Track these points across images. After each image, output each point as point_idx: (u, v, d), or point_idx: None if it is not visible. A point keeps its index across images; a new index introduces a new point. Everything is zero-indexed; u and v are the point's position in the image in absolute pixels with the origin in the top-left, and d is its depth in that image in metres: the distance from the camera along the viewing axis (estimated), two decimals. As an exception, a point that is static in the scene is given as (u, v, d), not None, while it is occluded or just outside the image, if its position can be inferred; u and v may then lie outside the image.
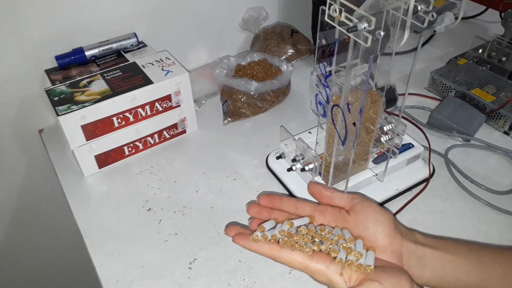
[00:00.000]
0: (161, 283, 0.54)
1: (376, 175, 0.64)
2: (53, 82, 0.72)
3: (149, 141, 0.73)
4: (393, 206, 0.64)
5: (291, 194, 0.64)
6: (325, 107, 0.55)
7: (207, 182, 0.68)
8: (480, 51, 0.90)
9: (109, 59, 0.78)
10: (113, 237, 0.60)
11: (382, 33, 0.41)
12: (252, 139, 0.77)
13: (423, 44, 1.02)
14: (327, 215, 0.46)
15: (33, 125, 0.80)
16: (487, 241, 0.59)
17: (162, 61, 0.72)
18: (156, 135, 0.73)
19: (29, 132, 0.80)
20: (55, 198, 0.90)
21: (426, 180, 0.66)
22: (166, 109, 0.71)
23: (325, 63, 0.52)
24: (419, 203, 0.64)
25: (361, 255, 0.40)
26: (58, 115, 0.61)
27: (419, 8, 0.43)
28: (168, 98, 0.70)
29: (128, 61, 0.76)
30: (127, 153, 0.72)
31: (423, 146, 0.67)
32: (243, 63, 0.86)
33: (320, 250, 0.41)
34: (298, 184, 0.64)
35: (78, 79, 0.69)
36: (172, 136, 0.76)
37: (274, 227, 0.44)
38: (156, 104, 0.69)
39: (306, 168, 0.61)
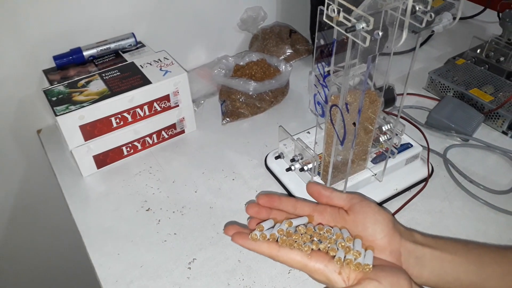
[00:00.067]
0: (160, 283, 0.54)
1: (375, 175, 0.64)
2: (51, 82, 0.72)
3: (148, 141, 0.73)
4: (392, 206, 0.64)
5: (290, 194, 0.64)
6: (324, 107, 0.55)
7: (206, 182, 0.68)
8: (478, 51, 0.90)
9: (107, 59, 0.77)
10: (112, 237, 0.60)
11: (380, 33, 0.41)
12: (251, 139, 0.77)
13: (422, 44, 1.02)
14: (326, 215, 0.46)
15: (31, 125, 0.80)
16: (486, 241, 0.59)
17: (161, 61, 0.72)
18: (154, 135, 0.73)
19: (27, 132, 0.80)
20: (53, 198, 0.90)
21: (425, 180, 0.67)
22: (164, 109, 0.71)
23: (323, 63, 0.52)
24: (418, 203, 0.64)
25: (360, 254, 0.40)
26: (56, 115, 0.61)
27: (417, 8, 0.43)
28: (166, 98, 0.70)
29: (127, 61, 0.75)
30: (125, 153, 0.72)
31: (421, 146, 0.67)
32: (241, 63, 0.86)
33: (319, 249, 0.41)
34: (297, 184, 0.64)
35: (76, 79, 0.68)
36: (171, 136, 0.76)
37: (273, 227, 0.44)
38: (155, 104, 0.69)
39: (305, 168, 0.61)
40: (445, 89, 0.84)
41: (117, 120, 0.67)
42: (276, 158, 0.67)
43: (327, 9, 0.43)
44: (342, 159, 0.59)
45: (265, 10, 0.94)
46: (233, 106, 0.80)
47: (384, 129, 0.60)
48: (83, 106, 0.63)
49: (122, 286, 0.54)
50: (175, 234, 0.61)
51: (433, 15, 0.43)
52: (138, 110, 0.68)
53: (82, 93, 0.65)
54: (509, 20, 0.88)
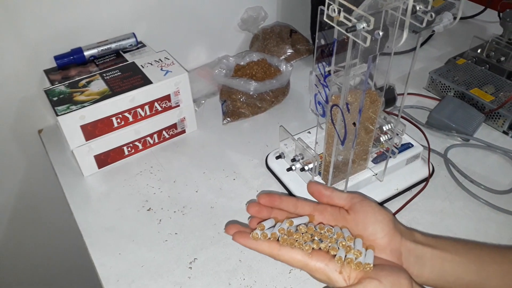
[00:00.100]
0: (162, 282, 0.54)
1: (376, 174, 0.64)
2: (52, 82, 0.72)
3: (149, 141, 0.73)
4: (393, 205, 0.64)
5: (290, 194, 0.64)
6: (324, 107, 0.55)
7: (207, 182, 0.68)
8: (478, 51, 0.90)
9: (108, 59, 0.78)
10: (113, 237, 0.60)
11: (381, 33, 0.41)
12: (252, 139, 0.77)
13: (422, 44, 1.02)
14: (326, 214, 0.46)
15: (32, 125, 0.80)
16: (486, 241, 0.59)
17: (161, 61, 0.72)
18: (155, 135, 0.73)
19: (28, 132, 0.80)
20: (54, 198, 0.90)
21: (426, 180, 0.67)
22: (165, 109, 0.71)
23: (324, 63, 0.52)
24: (418, 203, 0.64)
25: (361, 253, 0.40)
26: (57, 115, 0.61)
27: (417, 8, 0.43)
28: (167, 98, 0.70)
29: (127, 61, 0.76)
30: (126, 153, 0.72)
31: (422, 145, 0.67)
32: (242, 63, 0.86)
33: (320, 249, 0.41)
34: (297, 183, 0.64)
35: (77, 79, 0.69)
36: (172, 136, 0.76)
37: (273, 226, 0.44)
38: (156, 104, 0.69)
39: (306, 168, 0.61)
40: (445, 89, 0.84)
41: (118, 120, 0.67)
42: (277, 158, 0.68)
43: (328, 9, 0.43)
44: (343, 159, 0.59)
45: (266, 10, 0.94)
46: (234, 106, 0.80)
47: (384, 129, 0.60)
48: (84, 106, 0.63)
49: (123, 286, 0.54)
50: (176, 233, 0.61)
51: (433, 15, 0.43)
52: (139, 110, 0.68)
53: (83, 93, 0.65)
54: (509, 20, 0.88)
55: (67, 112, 0.62)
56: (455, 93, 0.82)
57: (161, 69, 0.70)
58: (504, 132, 0.76)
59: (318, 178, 0.62)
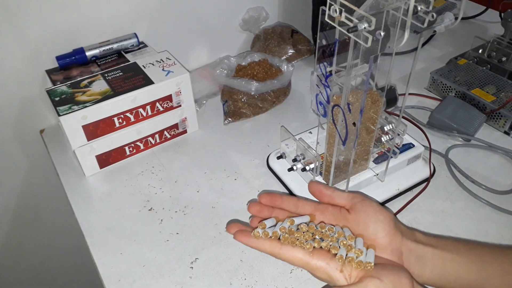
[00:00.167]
0: (163, 282, 0.55)
1: (377, 175, 0.64)
2: (54, 82, 0.72)
3: (150, 141, 0.73)
4: (394, 206, 0.64)
5: (292, 194, 0.64)
6: (326, 107, 0.55)
7: (208, 182, 0.68)
8: (480, 51, 0.90)
9: (109, 60, 0.78)
10: (114, 237, 0.60)
11: (382, 33, 0.41)
12: (253, 139, 0.77)
13: (423, 44, 1.02)
14: (327, 214, 0.46)
15: (34, 125, 0.81)
16: (487, 241, 0.59)
17: (163, 61, 0.72)
18: (157, 135, 0.73)
19: (30, 133, 0.81)
20: (56, 198, 0.90)
21: (427, 180, 0.67)
22: (167, 109, 0.71)
23: (325, 63, 0.52)
24: (419, 203, 0.64)
25: (362, 252, 0.40)
26: (59, 115, 0.62)
27: (419, 8, 0.43)
28: (169, 98, 0.70)
29: (129, 61, 0.76)
30: (128, 153, 0.72)
31: (423, 146, 0.67)
32: (243, 63, 0.86)
33: (321, 247, 0.41)
34: (299, 184, 0.65)
35: (79, 79, 0.69)
36: (173, 136, 0.76)
37: (274, 225, 0.44)
38: (157, 104, 0.70)
39: (307, 168, 0.61)
40: (447, 89, 0.84)
41: (120, 120, 0.67)
42: (278, 158, 0.68)
43: (329, 9, 0.43)
44: (344, 159, 0.59)
45: (267, 10, 0.94)
46: (235, 106, 0.80)
47: (386, 129, 0.60)
48: (86, 106, 0.63)
49: (124, 285, 0.54)
50: (177, 233, 0.61)
51: (435, 15, 0.43)
52: (141, 110, 0.68)
53: (85, 93, 0.66)
54: (511, 20, 0.88)
55: (69, 112, 0.62)
56: (456, 93, 0.82)
57: (163, 70, 0.70)
58: (505, 132, 0.76)
59: (319, 178, 0.62)
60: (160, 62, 0.72)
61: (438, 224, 0.61)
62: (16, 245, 0.96)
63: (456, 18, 0.47)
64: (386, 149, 0.64)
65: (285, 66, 0.83)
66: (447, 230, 0.60)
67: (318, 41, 0.50)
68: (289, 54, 0.95)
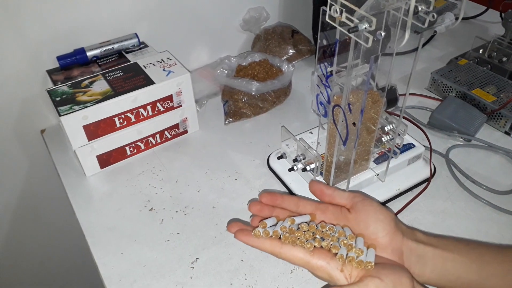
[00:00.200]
0: (163, 282, 0.55)
1: (377, 175, 0.64)
2: (54, 82, 0.72)
3: (151, 141, 0.73)
4: (394, 206, 0.64)
5: (292, 194, 0.64)
6: (326, 107, 0.55)
7: (209, 182, 0.69)
8: (480, 51, 0.90)
9: (110, 60, 0.78)
10: (115, 237, 0.60)
11: (383, 34, 0.41)
12: (253, 139, 0.77)
13: (424, 45, 1.02)
14: (328, 213, 0.46)
15: (35, 125, 0.81)
16: (488, 241, 0.59)
17: (164, 61, 0.72)
18: (157, 135, 0.73)
19: (31, 133, 0.81)
20: (57, 198, 0.90)
21: (427, 180, 0.67)
22: (167, 110, 0.72)
23: (326, 63, 0.52)
24: (420, 203, 0.64)
25: (362, 252, 0.40)
26: (60, 115, 0.62)
27: (419, 8, 0.43)
28: (169, 98, 0.70)
29: (130, 61, 0.76)
30: (128, 153, 0.72)
31: (424, 146, 0.67)
32: (244, 63, 0.86)
33: (321, 247, 0.41)
34: (299, 184, 0.65)
35: (79, 79, 0.69)
36: (174, 136, 0.76)
37: (275, 224, 0.44)
38: (158, 104, 0.70)
39: (308, 168, 0.61)
40: (447, 89, 0.84)
41: (121, 120, 0.67)
42: (279, 158, 0.68)
43: (330, 9, 0.43)
44: (344, 159, 0.59)
45: (268, 10, 0.94)
46: (236, 106, 0.80)
47: (386, 129, 0.60)
48: (87, 106, 0.63)
49: (125, 285, 0.54)
50: (178, 233, 0.61)
51: (435, 15, 0.43)
52: (141, 110, 0.68)
53: (85, 93, 0.66)
54: (511, 20, 0.88)
55: (70, 112, 0.62)
56: (457, 93, 0.82)
57: (163, 70, 0.70)
58: (506, 132, 0.76)
59: (319, 179, 0.62)
60: (160, 62, 0.72)
61: (438, 224, 0.61)
62: (16, 245, 0.96)
63: (456, 18, 0.47)
64: (386, 149, 0.64)
65: (286, 66, 0.83)
66: (448, 230, 0.60)
67: (318, 41, 0.50)
68: (290, 54, 0.95)
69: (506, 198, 0.65)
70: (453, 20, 0.90)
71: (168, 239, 0.60)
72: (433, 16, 0.43)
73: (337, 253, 0.40)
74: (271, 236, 0.42)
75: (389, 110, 0.80)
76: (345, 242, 0.41)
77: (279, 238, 0.42)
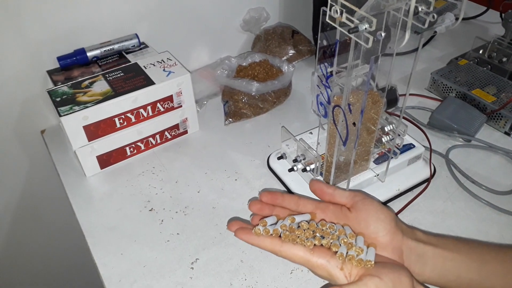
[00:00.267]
0: (163, 283, 0.55)
1: (377, 175, 0.64)
2: (55, 83, 0.72)
3: (151, 142, 0.73)
4: (394, 206, 0.64)
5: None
6: (326, 108, 0.55)
7: (209, 183, 0.69)
8: (480, 51, 0.90)
9: (110, 60, 0.78)
10: (115, 237, 0.60)
11: (383, 34, 0.41)
12: (254, 139, 0.77)
13: (424, 45, 1.02)
14: (328, 212, 0.46)
15: (35, 125, 0.81)
16: (488, 241, 0.59)
17: (164, 62, 0.72)
18: (157, 136, 0.74)
19: (31, 133, 0.81)
20: (57, 199, 0.90)
21: (427, 181, 0.67)
22: (167, 110, 0.72)
23: (326, 63, 0.52)
24: (420, 203, 0.64)
25: (362, 251, 0.40)
26: (60, 115, 0.62)
27: (419, 9, 0.43)
28: (169, 98, 0.70)
29: (130, 62, 0.76)
30: (128, 153, 0.72)
31: (424, 146, 0.67)
32: (244, 63, 0.86)
33: (322, 245, 0.41)
34: (299, 184, 0.65)
35: (80, 80, 0.69)
36: (174, 137, 0.76)
37: (275, 223, 0.44)
38: (158, 104, 0.70)
39: (308, 168, 0.61)
40: (447, 90, 0.84)
41: (121, 121, 0.67)
42: (279, 158, 0.68)
43: (330, 10, 0.43)
44: (344, 159, 0.59)
45: (268, 10, 0.94)
46: (236, 107, 0.80)
47: (386, 130, 0.60)
48: (87, 107, 0.63)
49: (125, 286, 0.54)
50: (178, 234, 0.61)
51: (435, 15, 0.43)
52: (142, 110, 0.68)
53: (86, 93, 0.66)
54: (511, 20, 0.88)
55: (70, 113, 0.62)
56: (456, 93, 0.82)
57: (164, 70, 0.70)
58: (505, 133, 0.76)
59: (320, 179, 0.62)
60: (161, 63, 0.72)
61: (438, 224, 0.61)
62: (16, 245, 0.96)
63: (456, 19, 0.47)
64: (386, 149, 0.64)
65: (286, 67, 0.83)
66: (448, 231, 0.60)
67: (319, 41, 0.50)
68: (290, 54, 0.95)
69: (506, 199, 0.65)
70: (453, 21, 0.90)
71: (168, 239, 0.60)
72: (433, 17, 0.43)
73: (337, 252, 0.40)
74: (271, 234, 0.42)
75: (389, 110, 0.80)
76: (345, 240, 0.41)
77: (279, 236, 0.42)
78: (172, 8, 0.83)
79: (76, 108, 0.63)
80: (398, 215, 0.62)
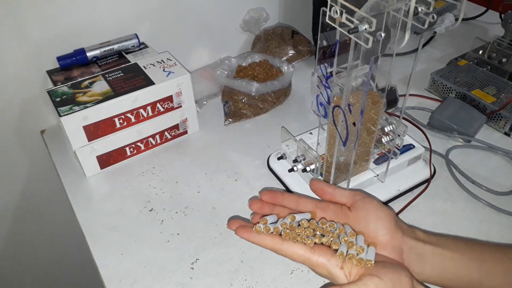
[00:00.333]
0: (164, 283, 0.55)
1: (377, 175, 0.64)
2: (55, 83, 0.72)
3: (151, 142, 0.73)
4: (395, 206, 0.64)
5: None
6: (326, 108, 0.55)
7: (209, 183, 0.69)
8: (480, 52, 0.90)
9: (110, 60, 0.78)
10: (115, 237, 0.60)
11: (383, 35, 0.41)
12: (253, 140, 0.77)
13: (424, 45, 1.02)
14: (328, 211, 0.46)
15: (35, 126, 0.81)
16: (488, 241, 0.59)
17: (164, 62, 0.73)
18: (157, 136, 0.74)
19: (31, 133, 0.81)
20: (57, 199, 0.90)
21: (427, 181, 0.67)
22: (167, 110, 0.72)
23: (326, 64, 0.52)
24: (420, 204, 0.64)
25: (362, 250, 0.40)
26: (60, 116, 0.62)
27: (419, 9, 0.43)
28: (169, 99, 0.70)
29: (130, 62, 0.76)
30: (128, 153, 0.72)
31: (424, 147, 0.67)
32: (244, 64, 0.86)
33: (322, 243, 0.41)
34: (299, 184, 0.65)
35: (79, 80, 0.69)
36: (174, 137, 0.76)
37: (276, 222, 0.44)
38: (158, 105, 0.70)
39: (308, 169, 0.61)
40: (447, 90, 0.84)
41: (121, 121, 0.67)
42: (279, 159, 0.68)
43: (330, 10, 0.43)
44: (344, 160, 0.59)
45: (268, 11, 0.94)
46: (236, 107, 0.80)
47: (386, 130, 0.60)
48: (87, 107, 0.63)
49: (125, 286, 0.54)
50: (178, 234, 0.61)
51: (435, 16, 0.43)
52: (141, 110, 0.68)
53: (85, 93, 0.66)
54: (511, 21, 0.88)
55: (70, 113, 0.62)
56: (456, 94, 0.82)
57: (164, 70, 0.70)
58: (505, 133, 0.76)
59: (320, 179, 0.62)
60: (160, 63, 0.72)
61: (438, 224, 0.61)
62: (16, 245, 0.96)
63: (456, 19, 0.47)
64: (386, 150, 0.64)
65: (286, 67, 0.83)
66: (448, 231, 0.60)
67: (318, 42, 0.51)
68: (290, 55, 0.95)
69: (506, 199, 0.65)
70: (453, 21, 0.90)
71: (168, 239, 0.60)
72: (433, 17, 0.43)
73: (337, 249, 0.40)
74: (272, 233, 0.42)
75: (389, 111, 0.80)
76: (345, 239, 0.41)
77: (280, 234, 0.42)
78: (171, 8, 0.83)
79: (76, 108, 0.63)
80: (398, 216, 0.62)
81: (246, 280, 0.55)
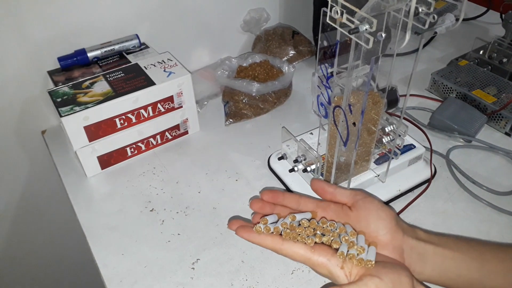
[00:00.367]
0: (164, 283, 0.55)
1: (378, 176, 0.64)
2: (55, 83, 0.72)
3: (152, 142, 0.74)
4: (395, 206, 0.64)
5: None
6: (327, 108, 0.56)
7: (210, 183, 0.69)
8: (481, 52, 0.90)
9: (111, 61, 0.78)
10: (116, 238, 0.60)
11: (383, 35, 0.41)
12: (254, 140, 0.77)
13: (424, 46, 1.02)
14: (329, 211, 0.47)
15: (35, 126, 0.81)
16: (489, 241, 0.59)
17: (164, 62, 0.73)
18: (158, 136, 0.74)
19: (31, 133, 0.81)
20: (58, 199, 0.90)
21: (428, 181, 0.67)
22: (168, 110, 0.72)
23: (326, 64, 0.52)
24: (420, 204, 0.64)
25: (363, 250, 0.40)
26: (61, 116, 0.62)
27: (420, 10, 0.43)
28: (170, 99, 0.70)
29: (130, 62, 0.76)
30: (129, 154, 0.72)
31: (424, 147, 0.67)
32: (244, 64, 0.86)
33: (322, 243, 0.41)
34: (300, 185, 0.65)
35: (80, 80, 0.69)
36: (174, 137, 0.76)
37: (276, 221, 0.44)
38: (158, 105, 0.70)
39: (308, 169, 0.61)
40: (448, 90, 0.84)
41: (121, 121, 0.67)
42: (279, 159, 0.68)
43: (331, 10, 0.43)
44: (345, 160, 0.59)
45: (268, 11, 0.94)
46: (236, 107, 0.80)
47: (387, 130, 0.60)
48: (88, 107, 0.63)
49: (126, 286, 0.54)
50: (178, 234, 0.61)
51: (435, 16, 0.43)
52: (142, 111, 0.68)
53: (86, 94, 0.66)
54: (511, 21, 0.88)
55: (71, 113, 0.62)
56: (457, 94, 0.82)
57: (164, 71, 0.70)
58: (506, 133, 0.76)
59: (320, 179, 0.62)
60: (161, 63, 0.72)
61: (439, 225, 0.61)
62: (17, 245, 0.96)
63: (457, 20, 0.47)
64: (387, 150, 0.64)
65: (286, 67, 0.84)
66: (448, 231, 0.60)
67: (319, 42, 0.51)
68: (290, 55, 0.95)
69: (507, 199, 0.65)
70: (454, 21, 0.90)
71: (169, 239, 0.60)
72: (433, 17, 0.43)
73: (337, 249, 0.40)
74: (272, 232, 0.42)
75: (390, 111, 0.80)
76: (346, 238, 0.41)
77: (280, 234, 0.42)
78: (172, 8, 0.84)
79: (77, 108, 0.63)
80: (399, 216, 0.62)
81: (246, 280, 0.55)
